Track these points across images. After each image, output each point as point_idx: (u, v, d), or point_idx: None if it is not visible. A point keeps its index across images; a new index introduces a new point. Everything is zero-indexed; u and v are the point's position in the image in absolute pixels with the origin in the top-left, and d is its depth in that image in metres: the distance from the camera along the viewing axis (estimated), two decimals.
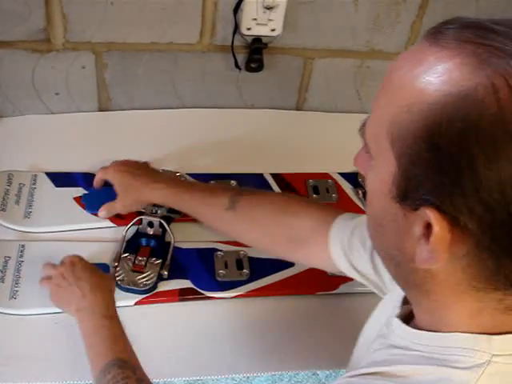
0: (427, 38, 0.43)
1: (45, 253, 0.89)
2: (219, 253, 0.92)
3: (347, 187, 1.05)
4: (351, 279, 0.77)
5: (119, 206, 0.91)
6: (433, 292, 0.47)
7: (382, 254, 0.51)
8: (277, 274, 0.89)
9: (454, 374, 0.45)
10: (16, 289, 0.84)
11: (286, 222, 0.81)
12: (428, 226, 0.42)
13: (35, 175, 1.00)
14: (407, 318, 0.54)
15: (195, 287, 0.87)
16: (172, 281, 0.88)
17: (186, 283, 0.88)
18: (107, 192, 0.93)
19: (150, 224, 0.92)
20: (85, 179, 0.98)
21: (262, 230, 0.83)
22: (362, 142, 0.48)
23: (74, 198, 0.97)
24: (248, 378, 0.81)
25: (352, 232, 0.73)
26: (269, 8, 1.03)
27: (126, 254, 0.89)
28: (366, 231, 0.71)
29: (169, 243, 0.91)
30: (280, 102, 1.23)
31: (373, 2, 1.09)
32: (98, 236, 0.94)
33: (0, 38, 1.01)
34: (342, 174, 1.07)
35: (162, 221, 0.91)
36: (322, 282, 0.82)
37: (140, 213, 0.93)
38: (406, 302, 0.55)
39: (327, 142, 1.16)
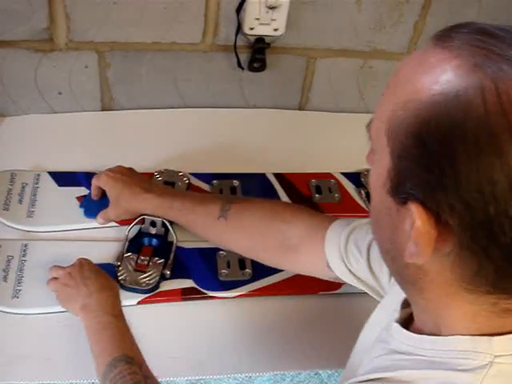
0: (433, 40, 0.44)
1: (47, 252, 0.89)
2: (222, 252, 0.92)
3: (350, 187, 1.05)
4: None
5: (112, 214, 0.93)
6: (426, 290, 0.47)
7: (380, 247, 0.52)
8: (279, 273, 0.89)
9: (457, 377, 0.45)
10: (19, 288, 0.84)
11: (278, 229, 0.81)
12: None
13: (38, 174, 1.00)
14: (407, 321, 0.54)
15: (198, 287, 0.87)
16: (174, 280, 0.88)
17: (188, 283, 0.88)
18: (104, 197, 0.94)
19: (153, 223, 0.92)
20: (88, 179, 0.98)
21: (254, 239, 0.84)
22: (368, 138, 0.49)
23: (77, 198, 0.97)
24: (250, 377, 0.81)
25: (348, 237, 0.74)
26: (272, 8, 1.03)
27: (128, 254, 0.89)
28: (363, 236, 0.72)
29: (171, 243, 0.91)
30: (283, 102, 1.23)
31: (375, 2, 1.09)
32: (100, 235, 0.94)
33: (3, 37, 1.01)
34: (345, 174, 1.07)
35: (165, 220, 0.91)
36: (324, 282, 0.82)
37: None
38: (405, 305, 0.55)
39: (330, 142, 1.16)
